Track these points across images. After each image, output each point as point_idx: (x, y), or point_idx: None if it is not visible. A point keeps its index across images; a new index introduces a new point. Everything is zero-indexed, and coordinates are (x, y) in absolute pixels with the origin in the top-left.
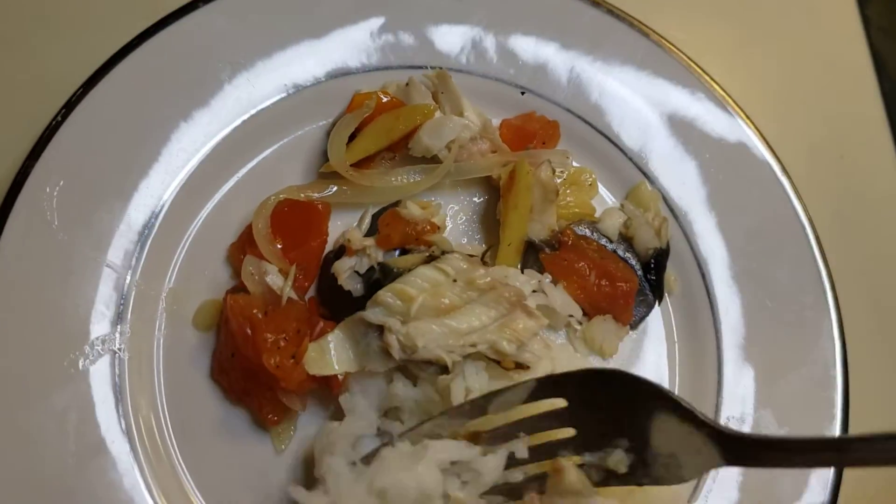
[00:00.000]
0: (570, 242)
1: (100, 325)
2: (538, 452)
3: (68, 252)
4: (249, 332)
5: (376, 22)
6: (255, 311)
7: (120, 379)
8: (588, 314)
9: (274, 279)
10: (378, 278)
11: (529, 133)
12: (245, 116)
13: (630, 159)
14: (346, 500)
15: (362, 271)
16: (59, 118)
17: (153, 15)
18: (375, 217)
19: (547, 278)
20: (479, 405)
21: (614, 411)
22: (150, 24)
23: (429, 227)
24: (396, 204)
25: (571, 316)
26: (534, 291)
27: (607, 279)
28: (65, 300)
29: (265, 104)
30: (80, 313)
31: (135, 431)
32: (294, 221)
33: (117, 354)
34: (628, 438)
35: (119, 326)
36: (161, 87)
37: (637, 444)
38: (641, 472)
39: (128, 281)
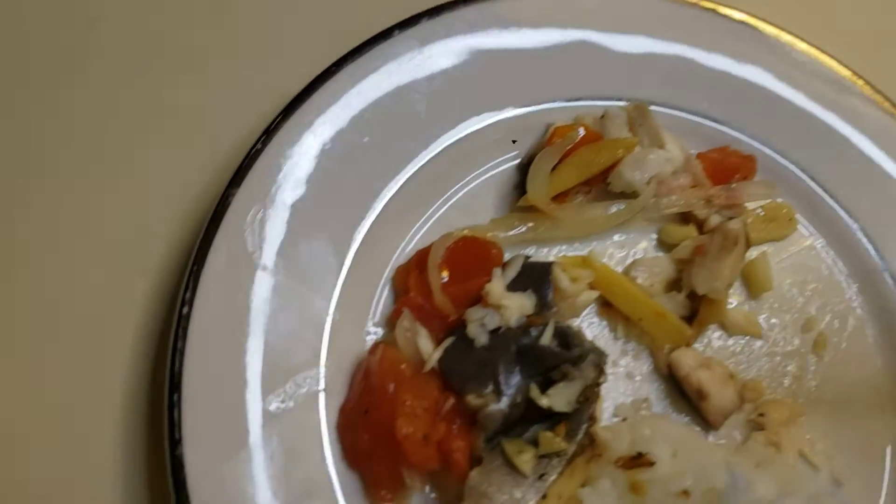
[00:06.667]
0: None
1: (302, 362)
2: None
3: (270, 283)
4: (393, 388)
5: (571, 53)
6: (403, 366)
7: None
8: None
9: (425, 343)
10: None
11: (730, 167)
12: (436, 150)
13: (835, 199)
14: None
15: (490, 327)
16: (258, 145)
17: (349, 42)
18: (527, 268)
19: None
20: None
21: None
22: (346, 51)
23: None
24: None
25: None
26: None
27: None
28: (269, 335)
29: (457, 137)
30: (283, 349)
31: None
32: (465, 259)
33: (319, 393)
34: None
35: (320, 363)
36: (356, 117)
37: None
38: None
39: (329, 314)
